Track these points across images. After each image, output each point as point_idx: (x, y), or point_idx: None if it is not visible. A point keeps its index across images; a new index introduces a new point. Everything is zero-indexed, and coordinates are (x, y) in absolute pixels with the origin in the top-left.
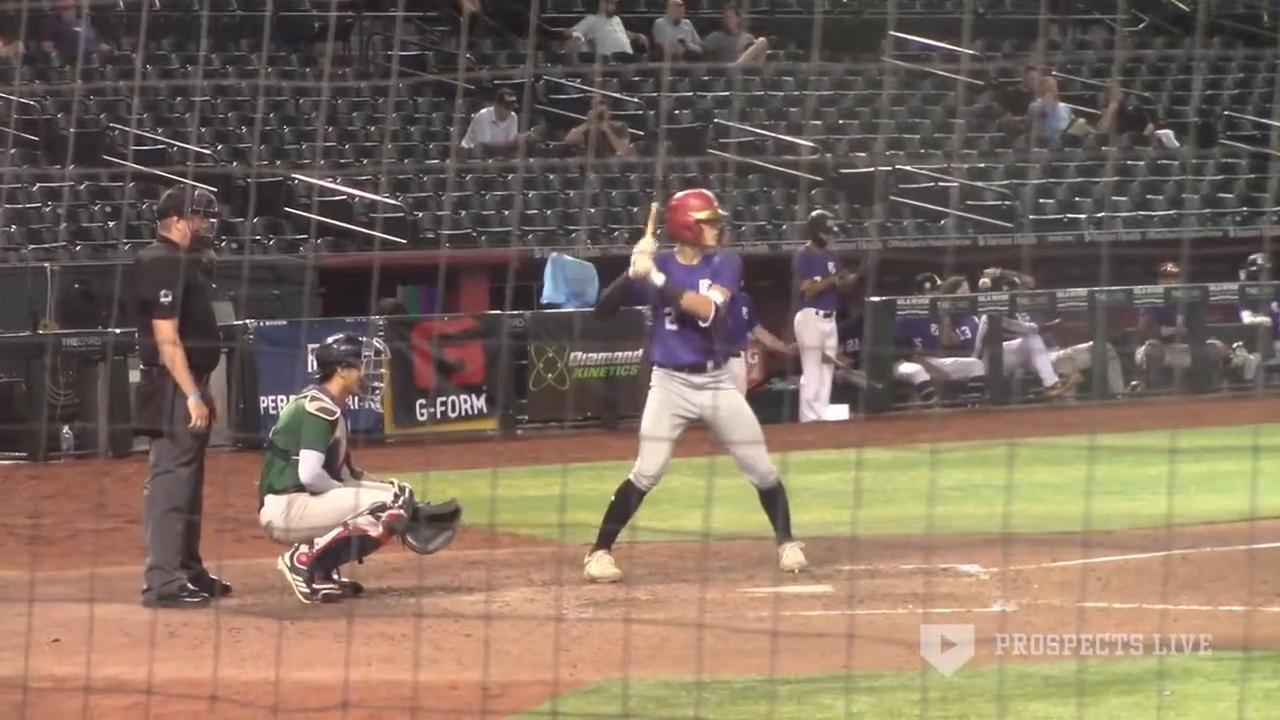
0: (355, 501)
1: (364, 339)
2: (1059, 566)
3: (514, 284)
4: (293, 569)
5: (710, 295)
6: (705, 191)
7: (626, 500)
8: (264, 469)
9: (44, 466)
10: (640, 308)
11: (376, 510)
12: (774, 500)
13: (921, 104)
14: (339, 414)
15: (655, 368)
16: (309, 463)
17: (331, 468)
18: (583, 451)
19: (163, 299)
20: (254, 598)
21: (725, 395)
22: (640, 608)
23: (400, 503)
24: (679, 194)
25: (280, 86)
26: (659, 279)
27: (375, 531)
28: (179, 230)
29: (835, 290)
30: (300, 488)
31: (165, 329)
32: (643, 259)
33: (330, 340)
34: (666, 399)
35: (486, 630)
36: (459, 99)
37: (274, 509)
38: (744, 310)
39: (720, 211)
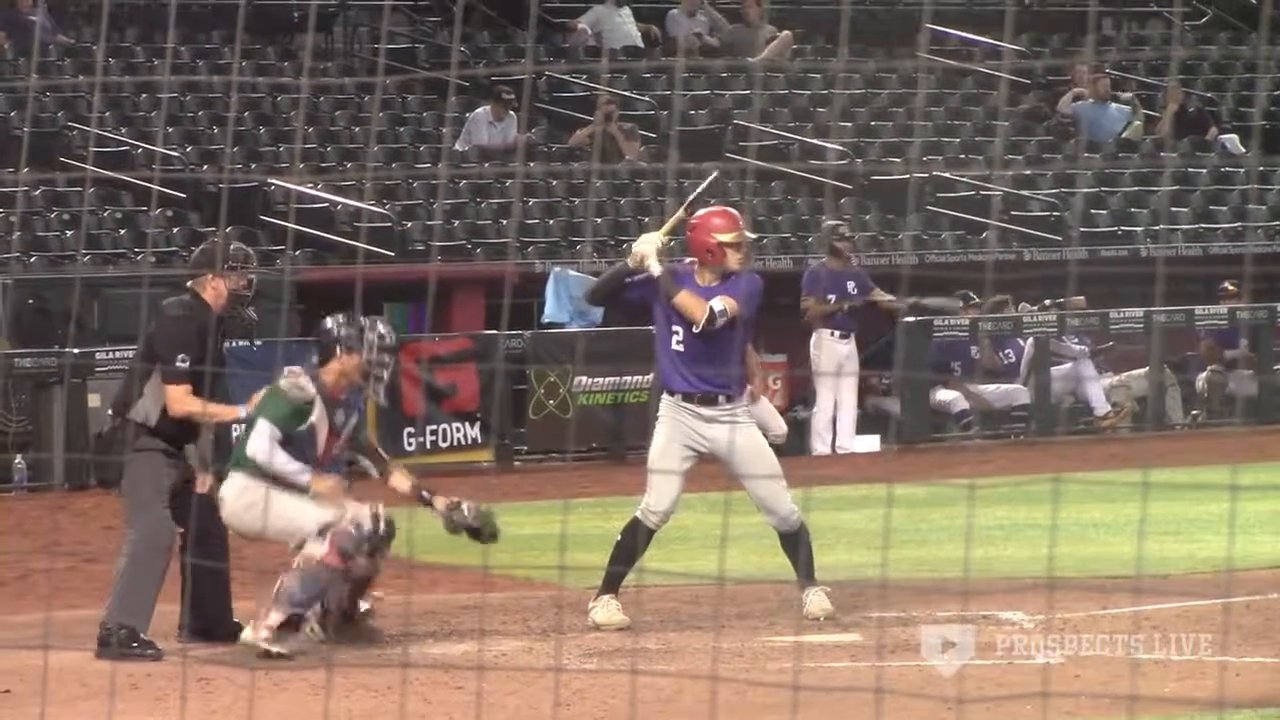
0: (306, 522)
1: (369, 320)
2: (1110, 614)
3: (512, 301)
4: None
5: (712, 301)
6: (731, 210)
7: (634, 539)
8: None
9: None
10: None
11: (323, 530)
12: (796, 542)
13: (961, 105)
14: (312, 394)
15: (664, 395)
16: (259, 434)
17: (305, 458)
18: (586, 486)
19: (179, 362)
20: (224, 645)
21: (740, 431)
22: (649, 658)
23: (359, 529)
24: (702, 210)
25: (256, 83)
26: (656, 268)
27: (320, 551)
28: (213, 289)
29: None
30: (263, 472)
31: (176, 393)
32: (644, 244)
33: (329, 321)
34: (675, 430)
35: (480, 682)
36: (452, 97)
37: (231, 488)
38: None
39: (747, 233)
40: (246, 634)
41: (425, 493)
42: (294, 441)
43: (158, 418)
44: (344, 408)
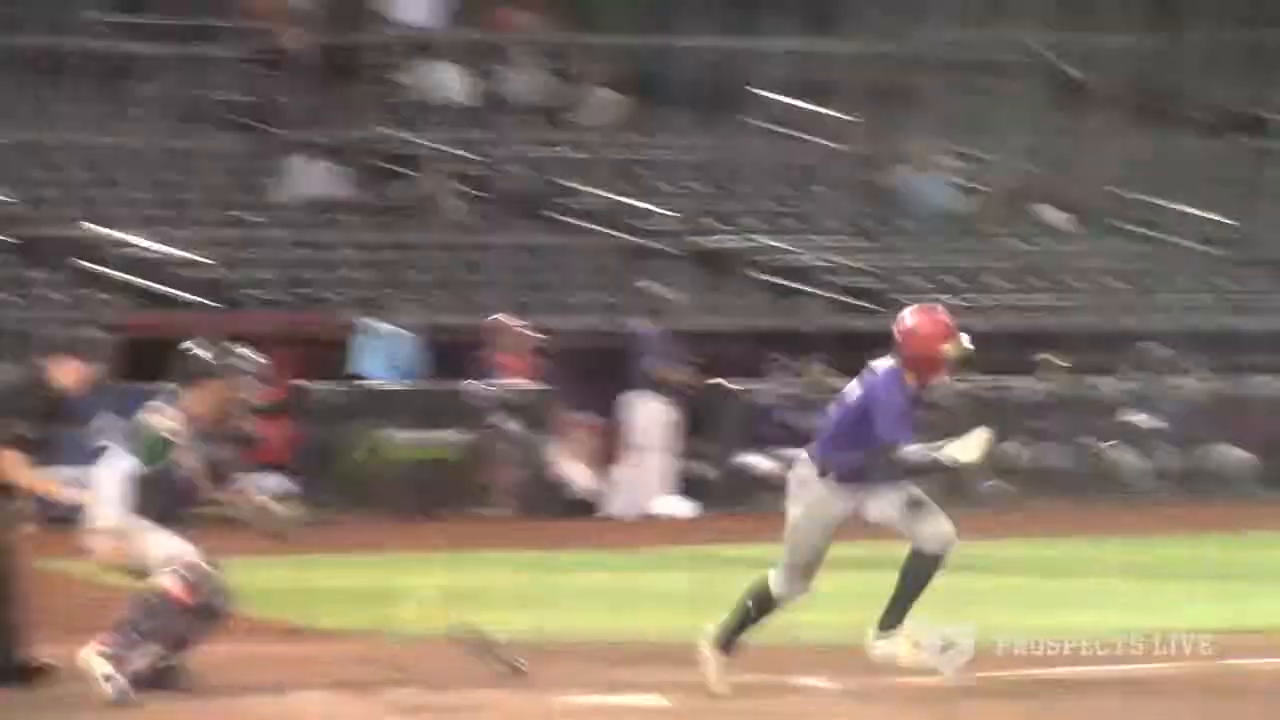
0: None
1: (227, 344)
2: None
3: (327, 353)
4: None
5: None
6: (948, 320)
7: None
8: None
9: None
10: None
11: (168, 561)
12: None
13: (795, 175)
14: (175, 426)
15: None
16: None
17: (172, 497)
18: (396, 540)
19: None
20: (22, 689)
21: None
22: (456, 714)
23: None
24: (920, 314)
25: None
26: (921, 454)
27: (165, 582)
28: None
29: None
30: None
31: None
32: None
33: (188, 346)
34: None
35: None
36: (281, 153)
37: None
38: None
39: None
40: (84, 652)
41: None
42: (169, 475)
43: None
44: (214, 440)
